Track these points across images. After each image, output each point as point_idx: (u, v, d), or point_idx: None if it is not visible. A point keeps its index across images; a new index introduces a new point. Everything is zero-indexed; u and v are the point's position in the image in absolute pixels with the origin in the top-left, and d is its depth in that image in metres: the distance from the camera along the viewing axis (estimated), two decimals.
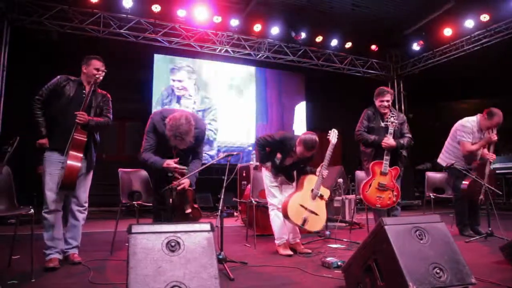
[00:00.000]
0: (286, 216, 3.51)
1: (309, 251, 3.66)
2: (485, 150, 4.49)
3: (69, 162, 2.88)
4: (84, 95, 3.18)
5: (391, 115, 4.02)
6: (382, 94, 4.17)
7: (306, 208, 3.50)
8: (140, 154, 3.13)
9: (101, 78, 3.24)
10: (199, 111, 9.00)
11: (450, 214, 5.33)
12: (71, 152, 2.93)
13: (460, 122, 4.62)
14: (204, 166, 3.30)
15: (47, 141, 3.09)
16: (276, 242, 3.70)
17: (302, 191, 3.58)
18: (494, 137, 4.39)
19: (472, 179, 4.27)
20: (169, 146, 3.04)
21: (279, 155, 3.68)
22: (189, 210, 3.02)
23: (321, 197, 3.60)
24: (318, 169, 3.64)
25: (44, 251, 3.02)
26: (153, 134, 3.12)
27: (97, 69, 3.23)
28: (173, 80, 8.89)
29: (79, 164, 2.94)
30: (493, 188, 4.20)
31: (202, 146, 3.37)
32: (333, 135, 3.76)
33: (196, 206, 3.12)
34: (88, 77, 3.24)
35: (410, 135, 4.18)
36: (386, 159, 3.91)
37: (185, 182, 3.01)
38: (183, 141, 2.92)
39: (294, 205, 3.49)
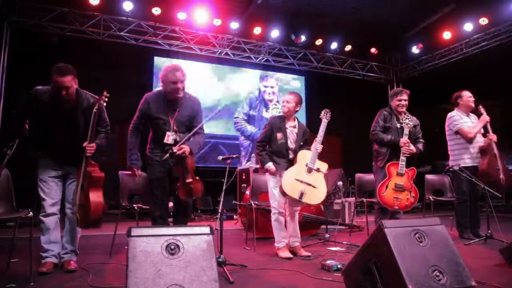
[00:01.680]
0: (283, 193, 3.49)
1: (309, 254, 3.65)
2: (487, 134, 4.54)
3: (92, 200, 2.87)
4: (63, 112, 2.95)
5: (406, 117, 4.04)
6: (400, 93, 4.17)
7: (301, 181, 3.48)
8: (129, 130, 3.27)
9: (70, 97, 2.92)
10: None
11: (450, 217, 5.33)
12: (93, 192, 2.92)
13: (447, 118, 4.80)
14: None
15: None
16: (276, 245, 3.69)
17: (296, 166, 3.58)
18: (487, 117, 4.55)
19: (489, 158, 4.32)
20: (166, 118, 3.16)
21: (279, 135, 3.70)
22: (189, 180, 3.01)
23: (318, 170, 3.57)
24: (313, 144, 3.65)
25: (41, 253, 3.00)
26: (141, 111, 3.29)
27: (65, 88, 2.86)
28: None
29: (101, 200, 2.96)
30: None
31: (200, 119, 3.35)
32: (325, 114, 3.81)
33: (197, 178, 3.11)
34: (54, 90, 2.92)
35: (423, 140, 4.20)
36: (403, 160, 3.90)
37: (184, 147, 3.02)
38: (175, 73, 3.12)
39: (289, 179, 3.48)
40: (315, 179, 3.54)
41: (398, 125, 4.11)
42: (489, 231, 4.17)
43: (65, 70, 2.88)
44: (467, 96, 4.69)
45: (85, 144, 2.93)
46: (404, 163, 3.90)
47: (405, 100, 4.15)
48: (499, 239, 4.08)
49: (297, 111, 3.83)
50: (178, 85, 3.16)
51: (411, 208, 3.98)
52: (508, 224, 5.54)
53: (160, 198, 3.22)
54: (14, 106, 3.12)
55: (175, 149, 2.99)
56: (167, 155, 3.01)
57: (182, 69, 3.25)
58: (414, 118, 4.22)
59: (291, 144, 3.74)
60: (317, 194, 3.52)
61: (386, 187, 3.88)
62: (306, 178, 3.50)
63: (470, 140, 4.54)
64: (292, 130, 3.77)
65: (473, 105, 4.66)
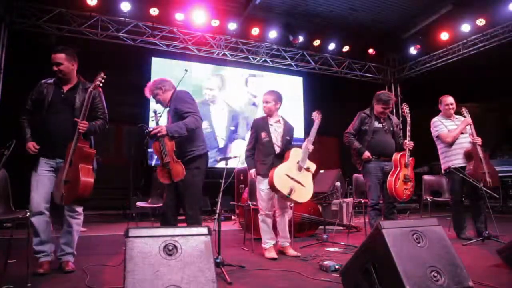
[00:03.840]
0: (272, 186, 3.50)
1: (298, 254, 3.66)
2: (471, 137, 4.53)
3: (82, 178, 2.78)
4: (62, 95, 3.08)
5: (406, 106, 4.21)
6: (389, 103, 4.19)
7: (292, 178, 3.53)
8: None
9: (62, 75, 3.07)
10: None
11: (447, 218, 5.34)
12: (82, 165, 2.83)
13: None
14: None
15: (33, 144, 2.99)
16: (263, 245, 3.72)
17: (288, 162, 3.62)
18: (469, 120, 4.55)
19: (474, 163, 4.35)
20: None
21: (263, 134, 3.76)
22: (167, 160, 2.97)
23: (307, 169, 3.62)
24: (304, 143, 3.69)
25: (35, 255, 2.95)
26: None
27: (56, 64, 3.05)
28: None
29: (92, 180, 2.85)
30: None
31: (185, 105, 3.20)
32: (316, 116, 3.86)
33: (178, 161, 3.03)
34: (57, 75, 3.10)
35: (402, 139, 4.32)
36: (408, 151, 4.02)
37: (160, 128, 3.00)
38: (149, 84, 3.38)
39: (280, 174, 3.52)
40: (304, 178, 3.59)
41: (380, 125, 4.21)
42: (487, 232, 4.18)
43: (59, 48, 3.08)
44: (445, 103, 4.73)
45: (77, 119, 2.92)
46: (409, 154, 4.00)
47: (389, 109, 4.25)
48: (496, 239, 4.09)
49: (278, 108, 3.88)
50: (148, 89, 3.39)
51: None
52: (506, 224, 5.56)
53: (166, 199, 3.25)
54: (26, 104, 3.14)
55: (150, 128, 3.01)
56: (146, 138, 3.09)
57: (154, 81, 3.40)
58: (395, 118, 4.36)
59: (276, 141, 3.77)
60: (304, 193, 3.56)
61: (399, 179, 3.92)
62: (296, 176, 3.55)
63: (449, 145, 4.58)
64: (276, 126, 3.82)
65: (451, 112, 4.69)
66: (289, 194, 3.46)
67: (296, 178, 3.53)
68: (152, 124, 3.37)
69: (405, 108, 4.26)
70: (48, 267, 2.94)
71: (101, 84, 3.06)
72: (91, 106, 3.05)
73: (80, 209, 3.15)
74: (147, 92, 3.40)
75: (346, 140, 4.31)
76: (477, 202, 4.49)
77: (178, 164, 3.02)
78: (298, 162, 3.60)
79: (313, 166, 3.68)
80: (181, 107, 3.17)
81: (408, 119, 4.14)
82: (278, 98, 3.84)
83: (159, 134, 2.98)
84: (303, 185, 3.54)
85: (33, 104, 3.10)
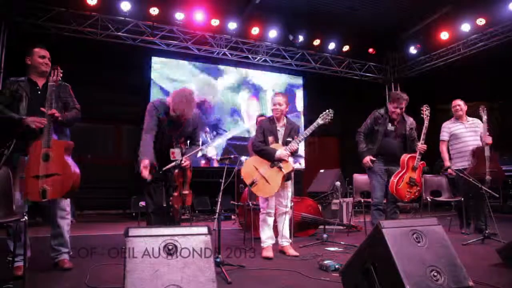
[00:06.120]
0: (241, 175, 3.67)
1: (297, 254, 3.66)
2: (483, 135, 4.57)
3: (75, 170, 2.78)
4: (39, 92, 3.03)
5: (426, 108, 4.14)
6: (399, 101, 4.07)
7: (258, 171, 3.60)
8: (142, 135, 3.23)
9: (47, 68, 3.09)
10: None
11: (447, 217, 5.34)
12: (68, 157, 2.80)
13: None
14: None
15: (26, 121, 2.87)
16: (262, 244, 3.73)
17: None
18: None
19: (477, 162, 4.47)
20: (169, 133, 3.22)
21: (271, 139, 3.75)
22: (186, 192, 3.11)
23: (280, 168, 3.58)
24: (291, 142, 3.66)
25: (11, 258, 2.85)
26: (155, 117, 3.23)
27: (42, 57, 3.10)
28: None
29: (78, 171, 2.84)
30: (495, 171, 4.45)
31: (199, 131, 3.52)
32: (324, 115, 3.77)
33: (190, 190, 3.20)
34: (35, 68, 3.10)
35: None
36: (419, 154, 4.00)
37: (189, 160, 3.17)
38: (190, 105, 3.13)
39: (249, 165, 3.66)
40: (272, 175, 3.58)
41: (392, 128, 4.13)
42: (487, 231, 4.18)
43: (42, 44, 3.18)
44: (452, 105, 4.92)
45: (43, 109, 2.85)
46: (420, 157, 3.98)
47: (401, 109, 4.10)
48: (496, 239, 4.09)
49: (286, 111, 3.88)
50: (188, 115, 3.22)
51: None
52: (505, 224, 5.56)
53: (156, 200, 3.26)
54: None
55: (182, 159, 3.09)
56: (173, 164, 3.05)
57: (193, 97, 3.24)
58: (411, 119, 4.27)
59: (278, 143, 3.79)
60: (266, 189, 3.58)
61: (402, 180, 3.91)
62: (264, 171, 3.60)
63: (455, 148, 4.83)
64: (282, 130, 3.81)
65: (458, 113, 4.85)
66: (250, 185, 3.58)
67: (263, 173, 3.59)
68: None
69: (425, 110, 4.11)
70: (23, 269, 2.76)
71: (47, 68, 3.10)
72: (62, 99, 3.11)
73: (68, 208, 3.11)
74: (190, 113, 3.22)
75: (356, 139, 4.30)
76: (478, 201, 4.51)
77: (191, 194, 3.22)
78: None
79: (287, 168, 3.58)
80: (198, 133, 3.47)
81: (426, 122, 4.02)
82: (288, 101, 3.88)
83: (187, 166, 3.16)
84: (267, 181, 3.56)
85: (7, 101, 2.97)
